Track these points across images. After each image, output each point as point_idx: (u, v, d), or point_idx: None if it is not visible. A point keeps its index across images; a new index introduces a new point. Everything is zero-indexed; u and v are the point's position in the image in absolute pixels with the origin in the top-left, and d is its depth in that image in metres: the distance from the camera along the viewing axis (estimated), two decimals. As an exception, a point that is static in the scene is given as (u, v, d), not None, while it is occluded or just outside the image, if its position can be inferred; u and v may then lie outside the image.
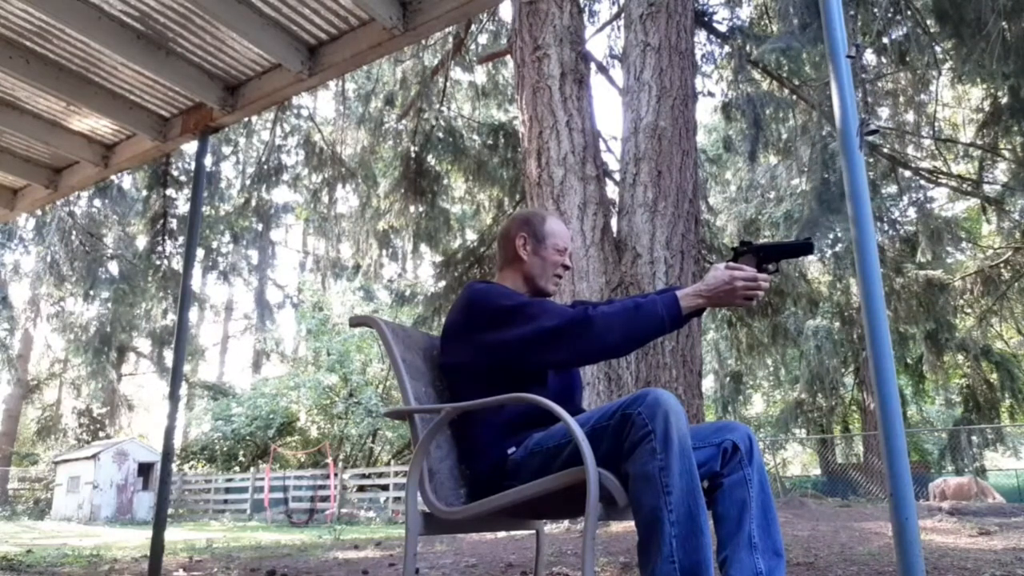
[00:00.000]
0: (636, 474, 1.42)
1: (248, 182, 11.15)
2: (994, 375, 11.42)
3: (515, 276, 1.99)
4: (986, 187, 10.44)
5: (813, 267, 13.02)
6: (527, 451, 1.68)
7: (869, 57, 8.74)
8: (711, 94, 10.77)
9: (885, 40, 8.01)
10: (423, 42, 9.64)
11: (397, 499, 13.91)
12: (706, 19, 9.30)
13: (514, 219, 2.06)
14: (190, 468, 19.61)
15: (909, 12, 7.67)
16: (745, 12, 10.45)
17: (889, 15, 7.71)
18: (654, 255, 5.67)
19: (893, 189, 11.43)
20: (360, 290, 20.68)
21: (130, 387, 23.09)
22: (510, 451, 1.72)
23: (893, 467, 1.53)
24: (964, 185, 10.88)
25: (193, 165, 6.46)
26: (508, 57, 8.32)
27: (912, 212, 12.23)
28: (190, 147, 8.18)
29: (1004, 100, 7.93)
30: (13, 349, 17.04)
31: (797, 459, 25.89)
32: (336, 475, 14.59)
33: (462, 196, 12.49)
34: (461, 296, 1.90)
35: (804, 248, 1.84)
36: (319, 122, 11.33)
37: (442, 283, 10.49)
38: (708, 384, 18.09)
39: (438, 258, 11.33)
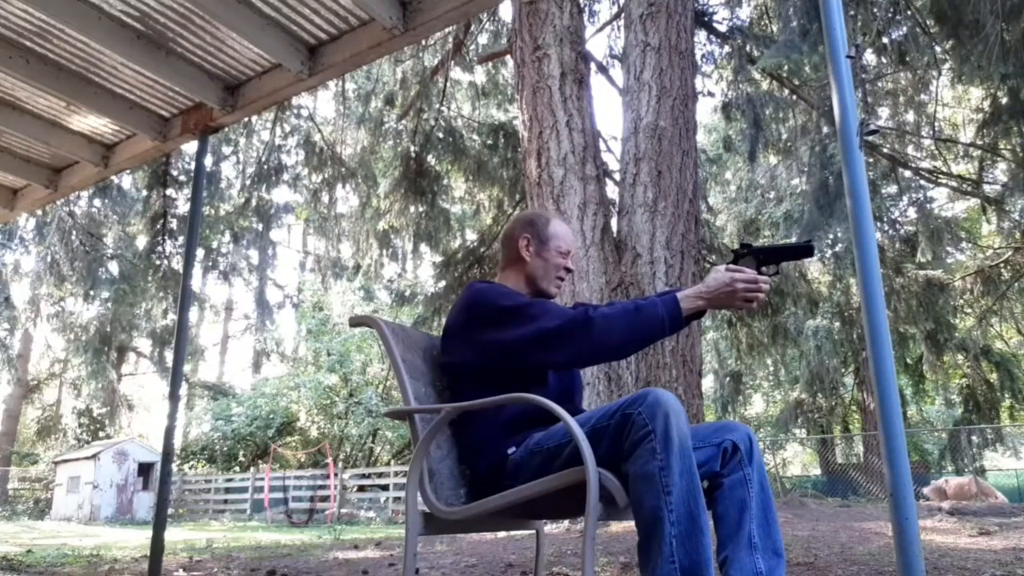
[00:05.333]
0: (636, 474, 1.42)
1: (248, 182, 11.14)
2: (994, 375, 11.42)
3: (517, 277, 1.99)
4: (986, 187, 10.44)
5: (813, 267, 13.02)
6: (527, 451, 1.68)
7: (869, 57, 8.74)
8: (711, 94, 10.80)
9: (885, 40, 8.00)
10: (423, 42, 9.64)
11: (397, 499, 13.91)
12: (706, 19, 9.30)
13: (518, 220, 2.06)
14: (190, 468, 19.60)
15: (909, 12, 7.67)
16: (745, 12, 10.46)
17: (889, 15, 7.71)
18: (654, 255, 5.67)
19: (893, 189, 11.43)
20: (360, 290, 20.68)
21: (130, 387, 23.05)
22: (510, 451, 1.72)
23: (893, 467, 1.53)
24: (964, 185, 10.88)
25: (193, 165, 6.46)
26: (508, 57, 8.32)
27: (912, 212, 12.23)
28: (190, 147, 8.19)
29: (1004, 100, 7.93)
30: (13, 349, 17.02)
31: (797, 459, 25.88)
32: (336, 475, 14.59)
33: (462, 196, 12.50)
34: (462, 296, 1.90)
35: (805, 250, 1.84)
36: (319, 122, 11.33)
37: (442, 283, 10.50)
38: (708, 384, 18.07)
39: (438, 258, 11.33)
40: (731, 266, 1.77)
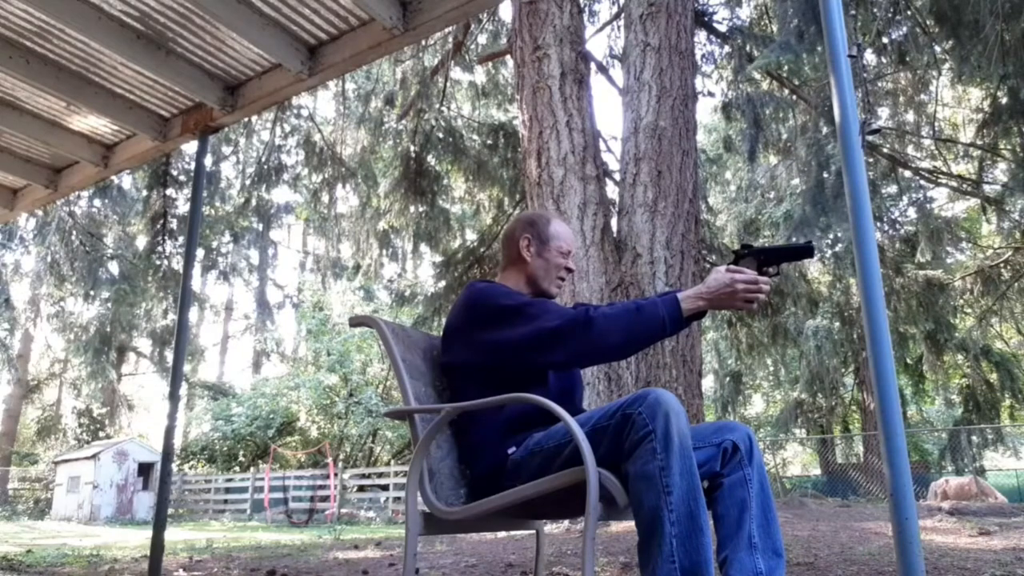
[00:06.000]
0: (636, 474, 1.42)
1: (248, 182, 11.16)
2: (994, 375, 11.41)
3: (518, 277, 1.99)
4: (986, 187, 10.44)
5: (813, 267, 13.02)
6: (527, 451, 1.68)
7: (869, 57, 8.74)
8: (711, 94, 10.81)
9: (885, 40, 8.01)
10: (423, 42, 9.64)
11: (397, 499, 13.91)
12: (706, 19, 9.31)
13: (519, 220, 2.06)
14: (190, 468, 19.60)
15: (909, 12, 7.67)
16: (745, 12, 10.46)
17: (889, 15, 7.71)
18: (654, 255, 5.67)
19: (893, 189, 11.43)
20: (360, 290, 20.70)
21: (130, 387, 23.09)
22: (510, 451, 1.72)
23: (893, 467, 1.53)
24: (964, 185, 10.88)
25: (193, 165, 6.46)
26: (508, 57, 8.32)
27: (912, 212, 12.24)
28: (190, 147, 8.19)
29: (1004, 100, 7.93)
30: (13, 349, 17.03)
31: (797, 459, 25.88)
32: (336, 475, 14.59)
33: (462, 196, 12.50)
34: (462, 295, 1.90)
35: (805, 251, 1.84)
36: (319, 122, 11.33)
37: (442, 283, 10.50)
38: (708, 384, 18.08)
39: (438, 258, 11.34)
40: (732, 267, 1.77)
